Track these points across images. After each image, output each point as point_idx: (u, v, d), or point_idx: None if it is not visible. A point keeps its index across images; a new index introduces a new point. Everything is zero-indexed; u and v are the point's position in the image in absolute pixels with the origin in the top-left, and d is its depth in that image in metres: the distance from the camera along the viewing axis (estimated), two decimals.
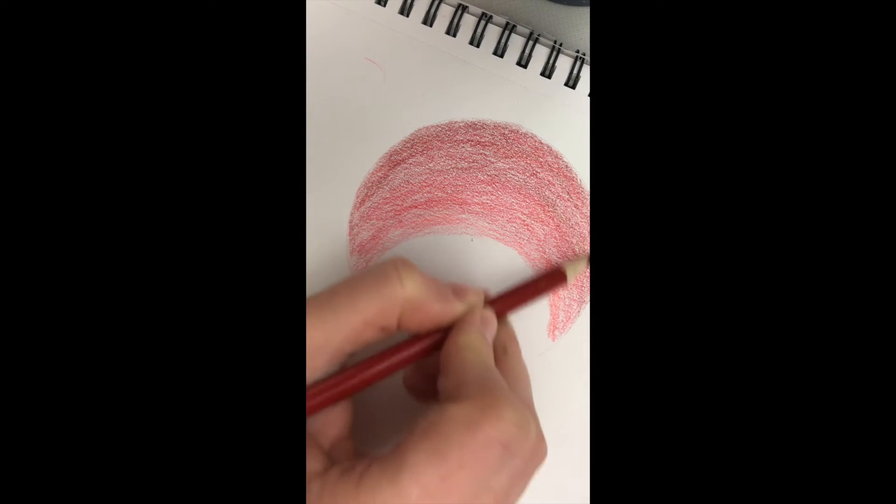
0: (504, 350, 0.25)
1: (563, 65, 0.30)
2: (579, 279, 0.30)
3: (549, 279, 0.28)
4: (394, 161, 0.30)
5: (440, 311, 0.24)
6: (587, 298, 0.30)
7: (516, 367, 0.25)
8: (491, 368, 0.23)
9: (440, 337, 0.25)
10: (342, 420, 0.24)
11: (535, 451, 0.22)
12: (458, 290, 0.25)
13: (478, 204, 0.30)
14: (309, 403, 0.23)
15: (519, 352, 0.26)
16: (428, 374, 0.25)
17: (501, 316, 0.27)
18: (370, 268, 0.24)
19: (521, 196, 0.30)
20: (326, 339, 0.22)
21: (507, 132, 0.30)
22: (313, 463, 0.22)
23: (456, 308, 0.24)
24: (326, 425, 0.24)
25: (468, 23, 0.31)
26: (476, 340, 0.24)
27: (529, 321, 0.30)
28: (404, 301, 0.23)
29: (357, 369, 0.24)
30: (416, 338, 0.25)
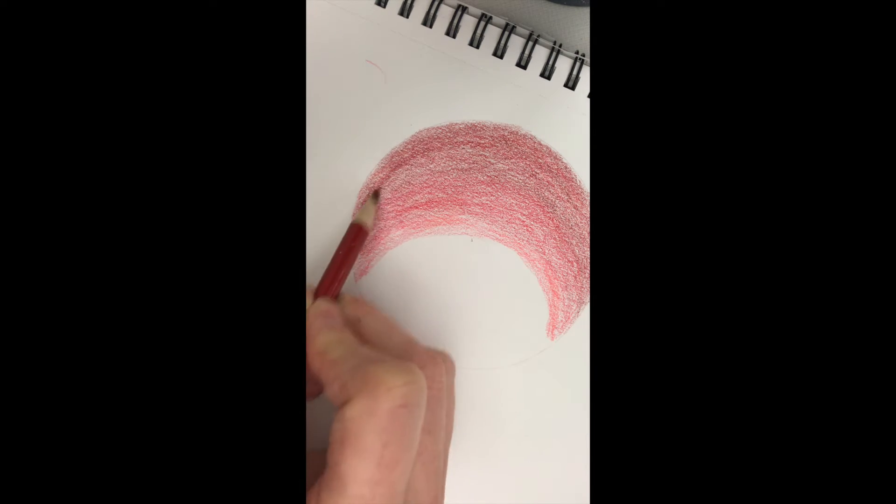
0: (357, 319, 0.26)
1: (563, 66, 0.30)
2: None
3: (351, 239, 0.28)
4: (395, 162, 0.30)
5: None
6: (587, 299, 0.30)
7: (375, 324, 0.26)
8: (356, 352, 0.24)
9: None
10: None
11: (437, 375, 0.24)
12: None
13: (478, 205, 0.30)
14: None
15: (370, 310, 0.27)
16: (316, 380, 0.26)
17: (334, 295, 0.27)
18: None
19: (521, 197, 0.30)
20: None
21: (506, 133, 0.30)
22: None
23: None
24: None
25: (468, 24, 0.31)
26: (327, 339, 0.24)
27: (529, 320, 0.30)
28: None
29: None
30: None
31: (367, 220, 0.29)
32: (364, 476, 0.21)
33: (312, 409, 0.28)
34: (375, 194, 0.30)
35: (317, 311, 0.25)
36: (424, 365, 0.24)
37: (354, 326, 0.26)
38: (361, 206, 0.30)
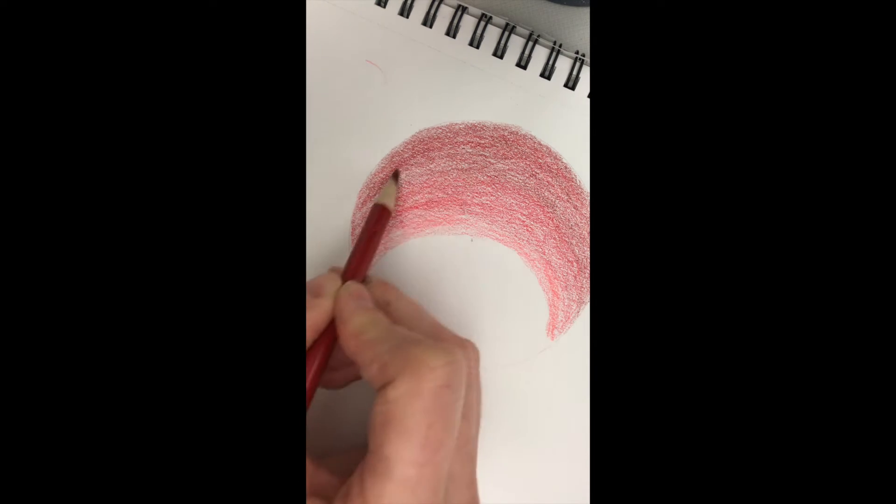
0: (387, 302, 0.26)
1: (563, 66, 0.30)
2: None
3: (376, 221, 0.28)
4: (395, 162, 0.30)
5: (313, 320, 0.24)
6: (587, 299, 0.30)
7: (404, 307, 0.26)
8: (393, 333, 0.23)
9: (330, 335, 0.25)
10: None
11: (469, 360, 0.23)
12: (313, 289, 0.25)
13: (478, 205, 0.30)
14: None
15: (398, 293, 0.26)
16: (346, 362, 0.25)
17: (362, 277, 0.27)
18: None
19: (521, 197, 0.30)
20: None
21: (506, 133, 0.30)
22: None
23: (323, 307, 0.25)
24: None
25: (468, 24, 0.31)
26: (361, 320, 0.24)
27: (529, 320, 0.30)
28: None
29: None
30: (310, 350, 0.25)
31: (389, 201, 0.29)
32: (410, 457, 0.21)
33: (338, 400, 0.28)
34: (395, 175, 0.30)
35: (348, 293, 0.25)
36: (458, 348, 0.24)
37: (384, 310, 0.25)
38: (381, 188, 0.30)
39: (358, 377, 0.27)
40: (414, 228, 0.30)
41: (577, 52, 0.31)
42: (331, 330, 0.25)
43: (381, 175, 0.30)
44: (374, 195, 0.30)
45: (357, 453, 0.24)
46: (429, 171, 0.30)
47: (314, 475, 0.24)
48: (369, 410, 0.22)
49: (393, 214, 0.29)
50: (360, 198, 0.31)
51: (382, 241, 0.30)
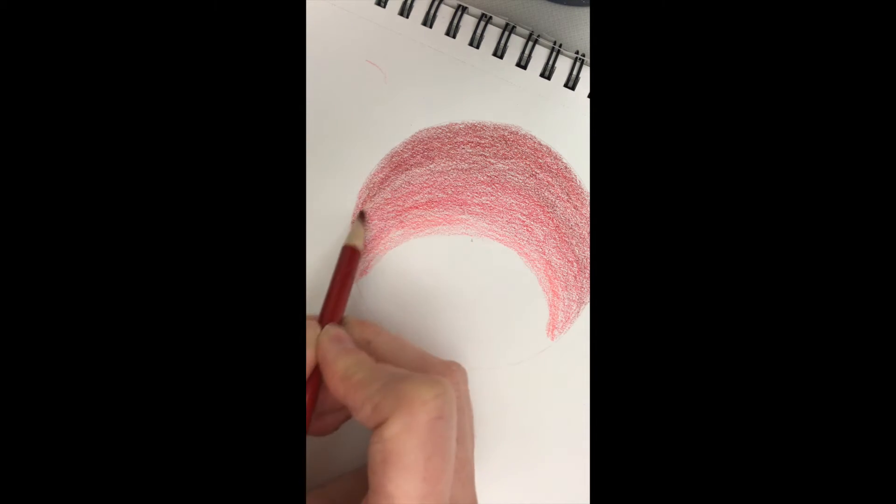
0: (367, 341, 0.26)
1: (563, 66, 0.30)
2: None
3: (346, 263, 0.28)
4: (395, 162, 0.30)
5: None
6: (587, 299, 0.30)
7: (386, 343, 0.26)
8: (380, 372, 0.23)
9: (314, 383, 0.25)
10: None
11: (457, 385, 0.24)
12: None
13: (478, 205, 0.30)
14: None
15: (377, 329, 0.27)
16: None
17: (339, 319, 0.27)
18: None
19: (521, 197, 0.30)
20: None
21: (506, 133, 0.30)
22: None
23: (306, 356, 0.25)
24: None
25: (468, 24, 0.31)
26: (347, 362, 0.24)
27: (529, 320, 0.30)
28: None
29: None
30: None
31: (358, 243, 0.29)
32: (412, 492, 0.21)
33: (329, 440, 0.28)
34: (361, 215, 0.30)
35: (328, 337, 0.25)
36: (443, 375, 0.24)
37: (366, 348, 0.26)
38: (352, 225, 0.30)
39: (348, 418, 0.27)
40: (414, 228, 0.30)
41: (577, 52, 0.31)
42: (315, 377, 0.25)
43: (381, 175, 0.30)
44: (373, 198, 0.30)
45: (353, 479, 0.24)
46: (429, 171, 0.30)
47: None
48: (365, 446, 0.22)
49: (362, 253, 0.29)
50: (360, 198, 0.31)
51: (382, 242, 0.30)
